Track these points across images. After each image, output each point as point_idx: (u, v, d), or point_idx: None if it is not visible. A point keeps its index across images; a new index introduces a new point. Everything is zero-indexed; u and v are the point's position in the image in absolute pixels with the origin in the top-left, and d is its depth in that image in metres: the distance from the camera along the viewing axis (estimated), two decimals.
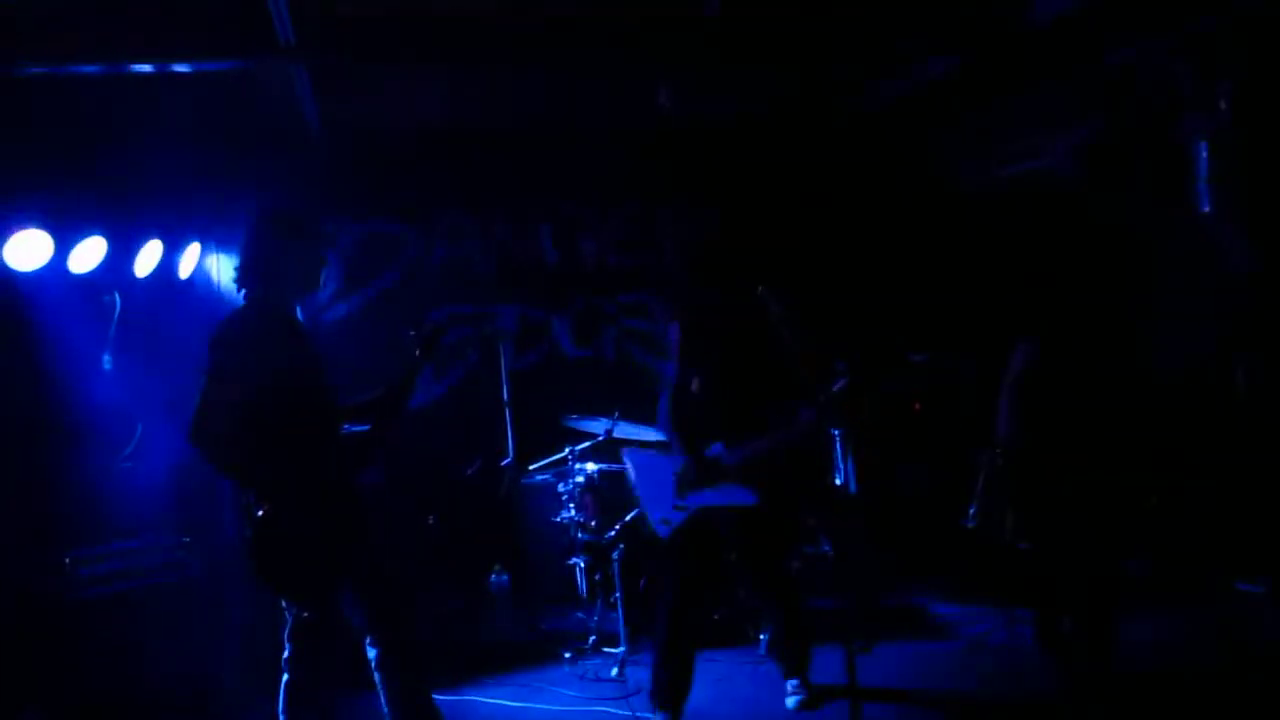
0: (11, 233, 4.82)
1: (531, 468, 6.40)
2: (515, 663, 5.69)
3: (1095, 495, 3.96)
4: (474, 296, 7.36)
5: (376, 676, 3.98)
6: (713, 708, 4.89)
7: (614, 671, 5.41)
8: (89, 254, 5.17)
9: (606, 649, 5.71)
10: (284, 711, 3.88)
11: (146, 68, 5.15)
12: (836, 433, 5.90)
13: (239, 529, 3.76)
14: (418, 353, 4.17)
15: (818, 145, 7.44)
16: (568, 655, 5.68)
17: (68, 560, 4.85)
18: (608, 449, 6.14)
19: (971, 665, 5.26)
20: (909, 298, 6.97)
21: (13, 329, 5.15)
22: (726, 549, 4.96)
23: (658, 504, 4.82)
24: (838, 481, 5.89)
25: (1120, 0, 5.30)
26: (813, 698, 4.81)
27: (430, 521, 6.32)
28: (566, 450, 6.12)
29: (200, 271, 5.86)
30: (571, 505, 6.10)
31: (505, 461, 6.20)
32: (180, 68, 5.22)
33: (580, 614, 6.06)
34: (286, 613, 3.88)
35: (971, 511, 5.08)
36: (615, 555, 5.68)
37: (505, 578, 6.24)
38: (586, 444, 6.13)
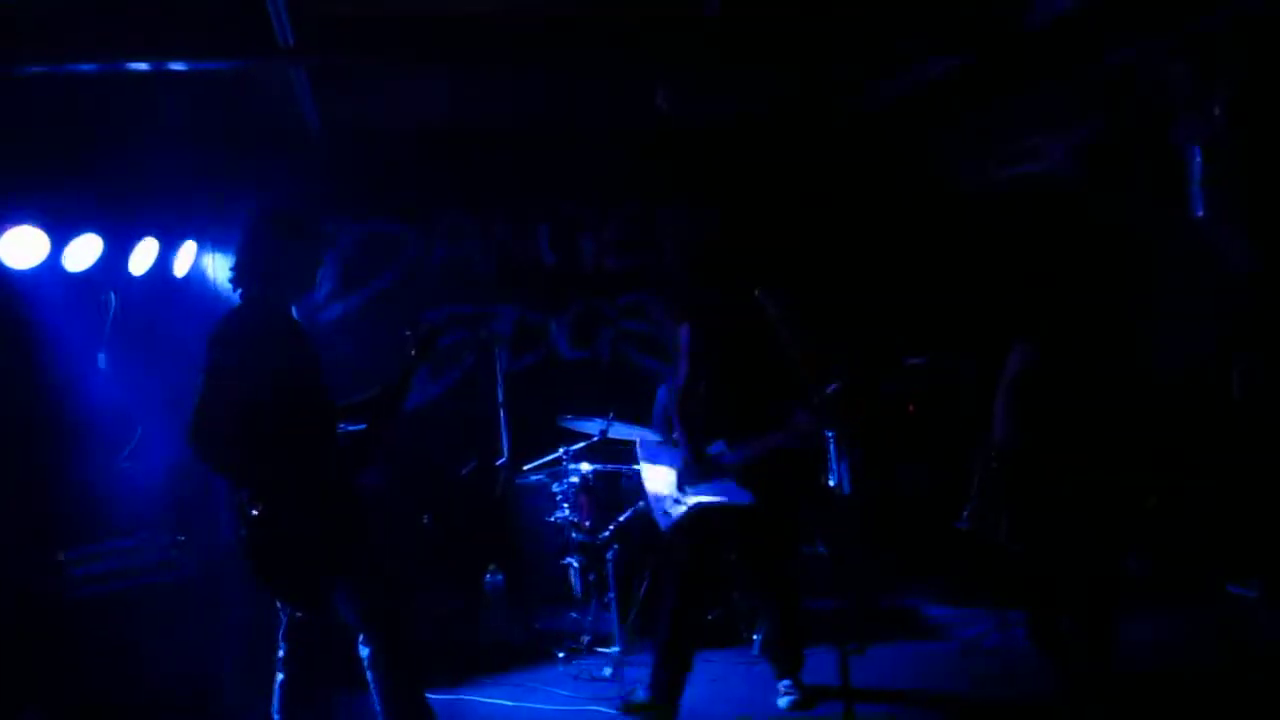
0: (7, 230, 4.81)
1: (526, 468, 6.41)
2: (510, 662, 5.70)
3: (1092, 496, 3.98)
4: (472, 297, 7.37)
5: (369, 675, 3.99)
6: (706, 708, 4.90)
7: (608, 671, 5.42)
8: (85, 252, 5.17)
9: (600, 649, 5.71)
10: (278, 711, 3.89)
11: (144, 66, 5.15)
12: (831, 434, 5.94)
13: (234, 528, 3.77)
14: (414, 353, 4.18)
15: (817, 145, 7.44)
16: (562, 655, 5.69)
17: (63, 559, 4.84)
18: (603, 449, 6.16)
19: (965, 667, 5.27)
20: (907, 298, 6.98)
21: (8, 327, 5.15)
22: (726, 548, 4.99)
23: (661, 496, 4.96)
24: (832, 483, 5.92)
25: (1120, 1, 5.31)
26: (805, 698, 4.82)
27: (425, 521, 6.32)
28: (561, 450, 6.13)
29: (196, 270, 5.86)
30: (566, 505, 6.11)
31: (500, 461, 6.20)
32: (177, 66, 5.22)
33: (574, 614, 6.07)
34: (281, 612, 3.89)
35: (965, 513, 5.10)
36: (610, 555, 5.69)
37: (500, 577, 6.25)
38: (581, 444, 6.14)
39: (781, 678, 4.92)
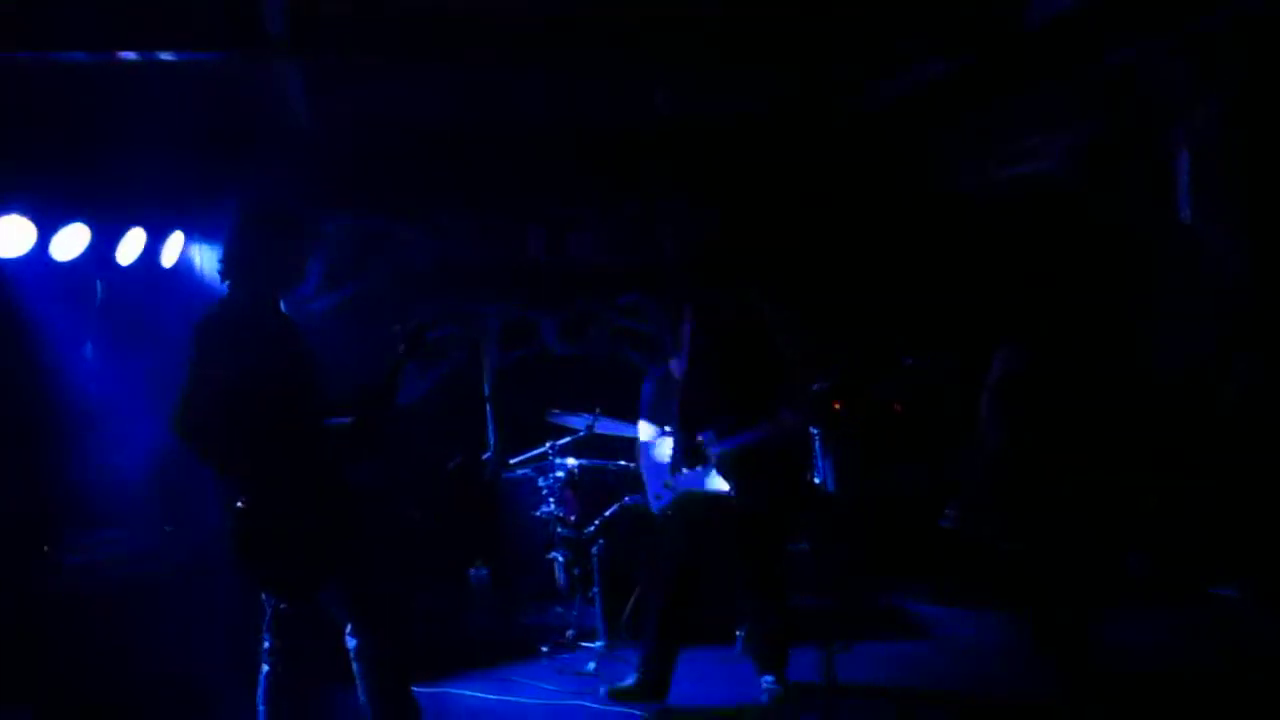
0: None
1: (512, 462, 6.42)
2: (494, 656, 5.71)
3: (1085, 496, 4.00)
4: (463, 294, 7.36)
5: (355, 668, 3.99)
6: (688, 704, 4.92)
7: (591, 666, 5.43)
8: (72, 241, 5.16)
9: (585, 643, 5.73)
10: (263, 703, 3.88)
11: (133, 56, 5.13)
12: (816, 432, 5.97)
13: (221, 520, 3.77)
14: (402, 348, 4.18)
15: (815, 145, 7.43)
16: (546, 649, 5.71)
17: (50, 550, 4.84)
18: (589, 444, 6.18)
19: (948, 666, 5.30)
20: (905, 298, 7.00)
21: None
22: (710, 539, 5.06)
23: (655, 479, 5.18)
24: (817, 481, 5.95)
25: (1118, 1, 5.33)
26: (788, 693, 4.84)
27: (411, 515, 6.33)
28: (547, 445, 6.14)
29: (184, 261, 5.84)
30: (552, 500, 6.12)
31: (486, 455, 6.21)
32: (166, 56, 5.20)
33: (559, 608, 6.08)
34: (267, 604, 3.89)
35: (950, 512, 5.14)
36: (595, 550, 5.71)
37: (485, 572, 6.27)
38: (567, 439, 6.15)
39: (764, 673, 4.94)
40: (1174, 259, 5.50)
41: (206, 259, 5.84)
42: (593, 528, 5.83)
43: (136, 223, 5.43)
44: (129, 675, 4.80)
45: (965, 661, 5.32)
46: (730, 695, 5.01)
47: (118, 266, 5.44)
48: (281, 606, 3.84)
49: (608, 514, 5.87)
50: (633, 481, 6.26)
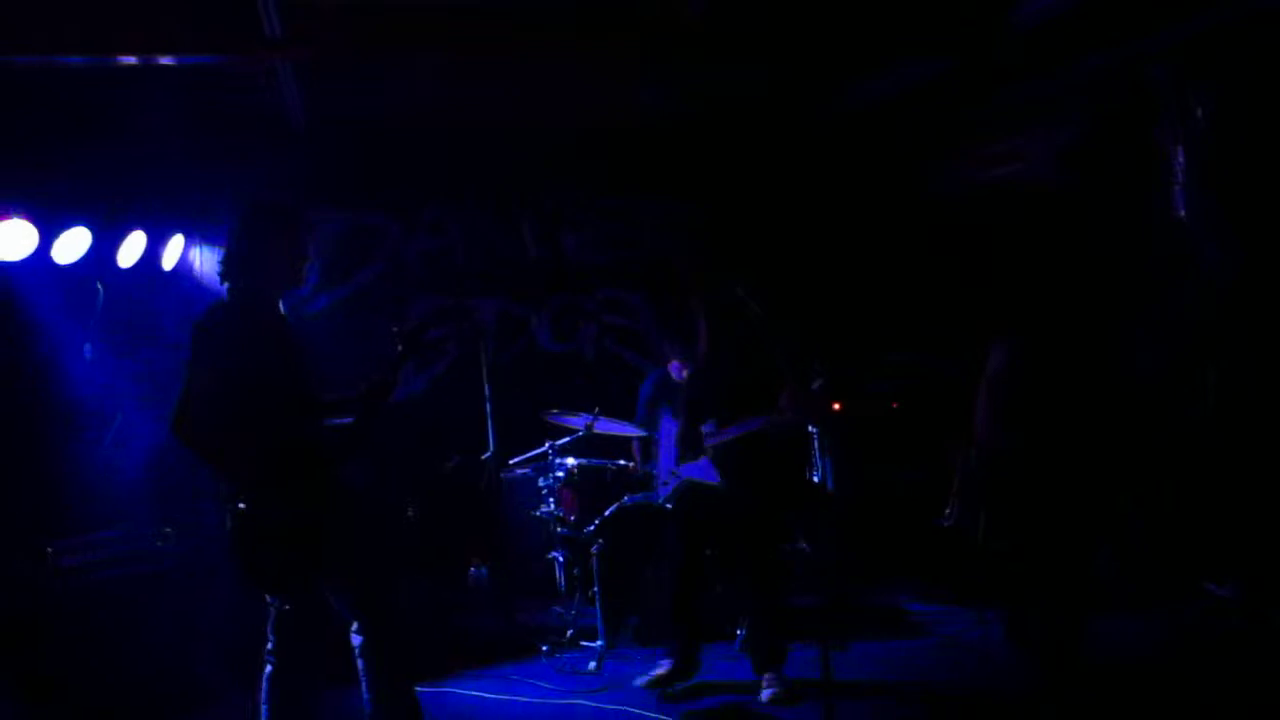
0: None
1: (512, 462, 6.44)
2: (494, 656, 5.73)
3: (1071, 495, 4.01)
4: (455, 290, 7.39)
5: (359, 665, 4.00)
6: (688, 702, 4.93)
7: (591, 665, 5.46)
8: (73, 244, 5.18)
9: (584, 642, 5.75)
10: (265, 702, 3.89)
11: (132, 60, 5.15)
12: (814, 431, 5.99)
13: (220, 520, 3.79)
14: (400, 348, 4.20)
15: (801, 145, 7.47)
16: (546, 648, 5.73)
17: (50, 550, 4.85)
18: (588, 444, 6.20)
19: (946, 663, 5.31)
20: (890, 298, 7.02)
21: None
22: (709, 529, 5.18)
23: (666, 466, 5.40)
24: (815, 479, 5.97)
25: (1103, 4, 5.35)
26: (787, 692, 4.86)
27: (410, 515, 6.34)
28: (547, 445, 6.16)
29: (184, 263, 5.86)
30: (551, 500, 6.14)
31: (485, 455, 6.22)
32: (166, 60, 5.22)
33: (558, 608, 6.10)
34: (269, 604, 3.90)
35: (947, 511, 5.15)
36: (594, 550, 5.72)
37: (484, 571, 6.28)
38: (567, 439, 6.17)
39: (763, 672, 4.96)
40: (1157, 259, 5.52)
41: (206, 261, 5.86)
42: (592, 527, 5.85)
43: (137, 225, 5.45)
44: (129, 675, 4.82)
45: (964, 660, 5.33)
46: (730, 694, 5.01)
47: (118, 269, 5.46)
48: (284, 606, 3.86)
49: (607, 513, 5.89)
50: (631, 481, 6.29)
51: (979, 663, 5.23)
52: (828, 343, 6.03)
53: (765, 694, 4.88)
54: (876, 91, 6.77)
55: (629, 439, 6.41)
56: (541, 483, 6.20)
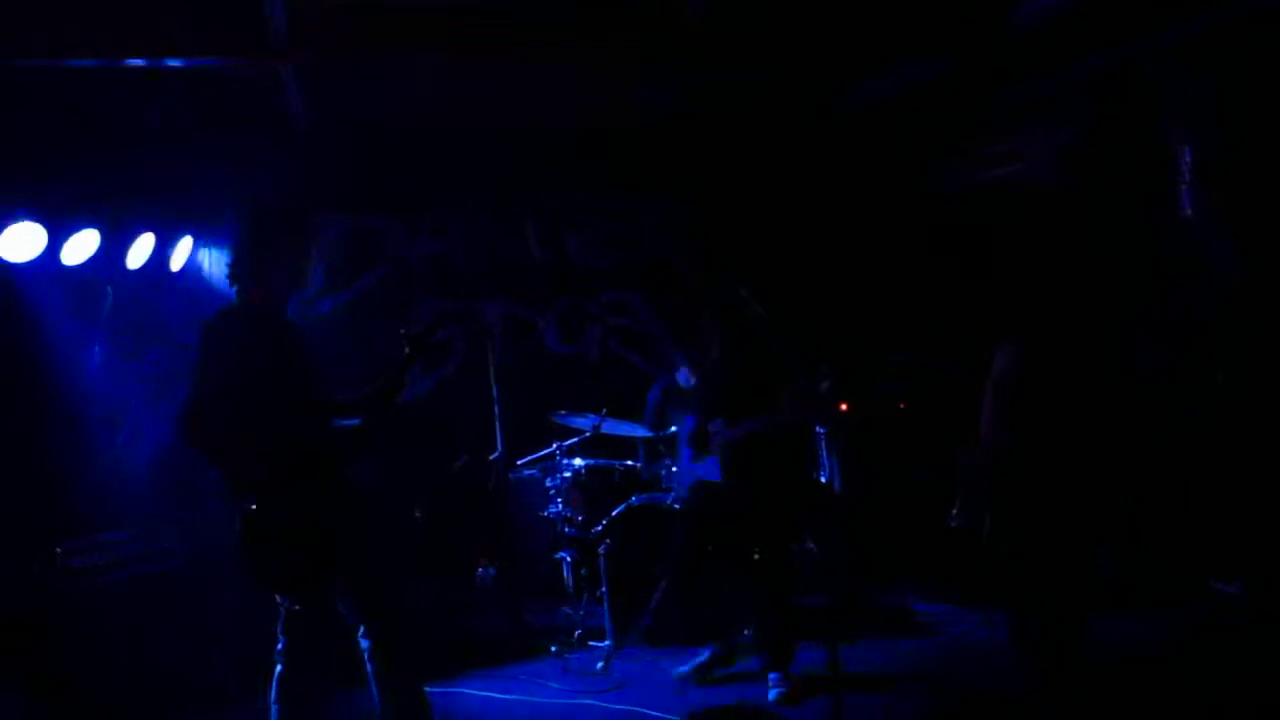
0: (6, 225, 4.84)
1: (519, 462, 6.45)
2: (502, 656, 5.74)
3: (1076, 496, 4.00)
4: (461, 292, 7.40)
5: (369, 668, 4.02)
6: (694, 701, 4.92)
7: (600, 665, 5.46)
8: (82, 246, 5.20)
9: (592, 643, 5.75)
10: (276, 702, 3.90)
11: (140, 63, 5.17)
12: (822, 431, 6.00)
13: (230, 520, 3.80)
14: (407, 350, 4.21)
15: (801, 145, 7.46)
16: (554, 649, 5.73)
17: (59, 551, 4.87)
18: (596, 444, 6.21)
19: (953, 663, 5.30)
20: (890, 298, 7.02)
21: (6, 319, 5.17)
22: (719, 536, 5.23)
23: (684, 463, 5.62)
24: (822, 479, 5.98)
25: (1103, 4, 5.34)
26: (795, 691, 4.87)
27: (418, 516, 6.36)
28: (554, 446, 6.17)
29: (192, 265, 5.88)
30: (559, 500, 6.15)
31: (493, 456, 6.24)
32: (174, 63, 5.23)
33: (566, 608, 6.11)
34: (280, 604, 3.92)
35: (955, 511, 5.15)
36: (602, 550, 5.74)
37: (492, 571, 6.29)
38: (574, 440, 6.18)
39: (771, 670, 4.97)
40: (1161, 259, 5.52)
41: (214, 262, 5.88)
42: (600, 527, 5.86)
43: (146, 227, 5.47)
44: (139, 676, 4.83)
45: (971, 660, 5.33)
46: (738, 692, 5.02)
47: (126, 270, 5.48)
48: (295, 607, 3.87)
49: (615, 514, 5.90)
50: (639, 481, 6.31)
51: (985, 663, 5.23)
52: (830, 342, 6.03)
53: (772, 693, 4.89)
54: (876, 91, 6.76)
55: (635, 440, 6.44)
56: (549, 483, 6.22)
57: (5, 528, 4.94)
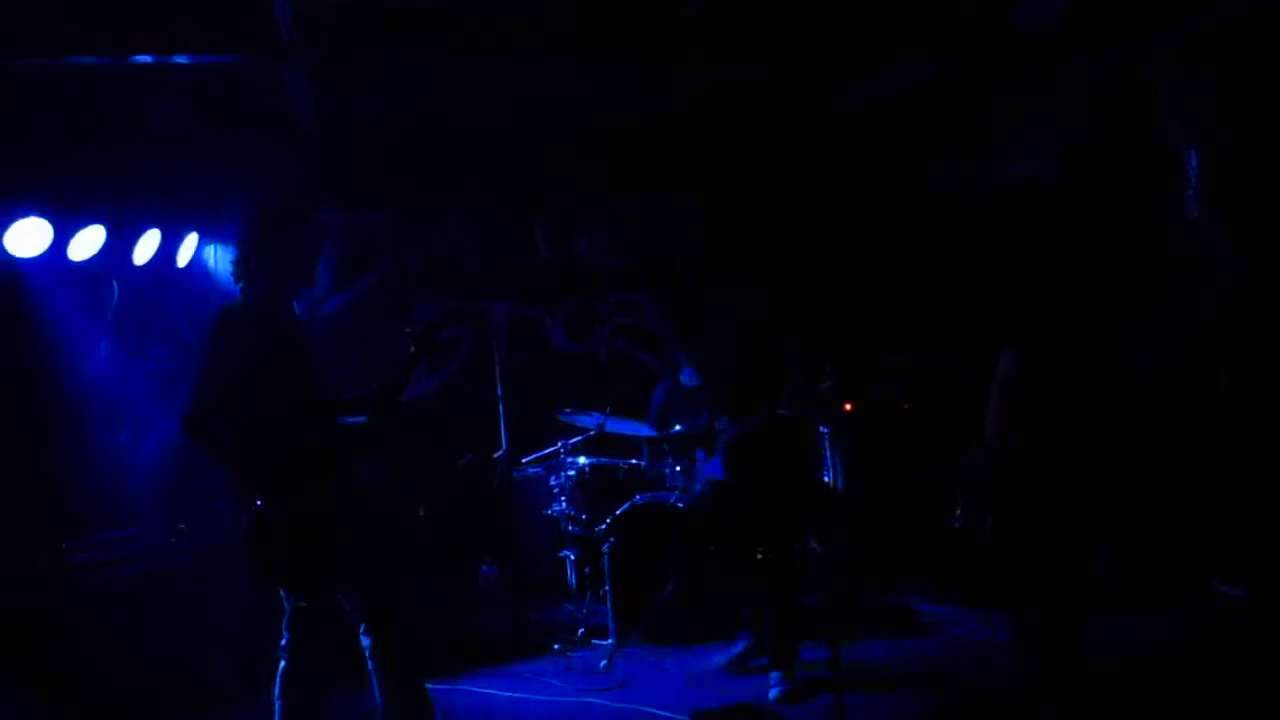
0: (13, 221, 4.85)
1: (524, 460, 6.46)
2: (505, 654, 5.75)
3: (1071, 496, 4.02)
4: (467, 291, 7.40)
5: (370, 665, 4.03)
6: (697, 699, 4.94)
7: (602, 663, 5.47)
8: (88, 242, 5.20)
9: (596, 641, 5.77)
10: (279, 698, 3.92)
11: (147, 59, 5.17)
12: (825, 430, 6.02)
13: (236, 518, 3.81)
14: (413, 348, 4.22)
15: (801, 145, 7.47)
16: (557, 647, 5.74)
17: (63, 547, 4.87)
18: (600, 443, 6.22)
19: (955, 663, 5.31)
20: (890, 298, 7.03)
21: (12, 315, 5.18)
22: (723, 534, 5.27)
23: (700, 457, 5.70)
24: (826, 479, 5.99)
25: (1103, 4, 5.35)
26: (796, 690, 4.88)
27: (422, 514, 6.37)
28: (559, 444, 6.18)
29: (198, 261, 5.88)
30: (563, 498, 6.16)
31: (498, 454, 6.25)
32: (180, 60, 5.24)
33: (570, 606, 6.12)
34: (285, 601, 3.93)
35: (958, 511, 5.16)
36: (605, 548, 5.75)
37: (496, 569, 6.30)
38: (578, 438, 6.19)
39: (772, 669, 4.99)
40: (1165, 261, 5.52)
41: (220, 259, 5.89)
42: (603, 526, 5.88)
43: (152, 223, 5.47)
44: (141, 675, 4.83)
45: (973, 660, 5.33)
46: (740, 691, 5.03)
47: (133, 267, 5.48)
48: (300, 603, 3.88)
49: (619, 512, 5.91)
50: (643, 480, 6.32)
51: (987, 663, 5.24)
52: (831, 343, 6.05)
53: (773, 692, 4.91)
54: (877, 91, 6.76)
55: (640, 439, 6.45)
56: (553, 481, 6.23)
57: (9, 525, 4.94)
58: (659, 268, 7.81)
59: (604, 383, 7.24)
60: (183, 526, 5.25)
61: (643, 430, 6.35)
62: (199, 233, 5.80)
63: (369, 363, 5.04)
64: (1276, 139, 5.24)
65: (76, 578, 4.88)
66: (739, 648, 5.34)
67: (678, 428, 6.23)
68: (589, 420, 6.10)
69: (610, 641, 5.63)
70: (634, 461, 6.42)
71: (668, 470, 6.20)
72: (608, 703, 4.97)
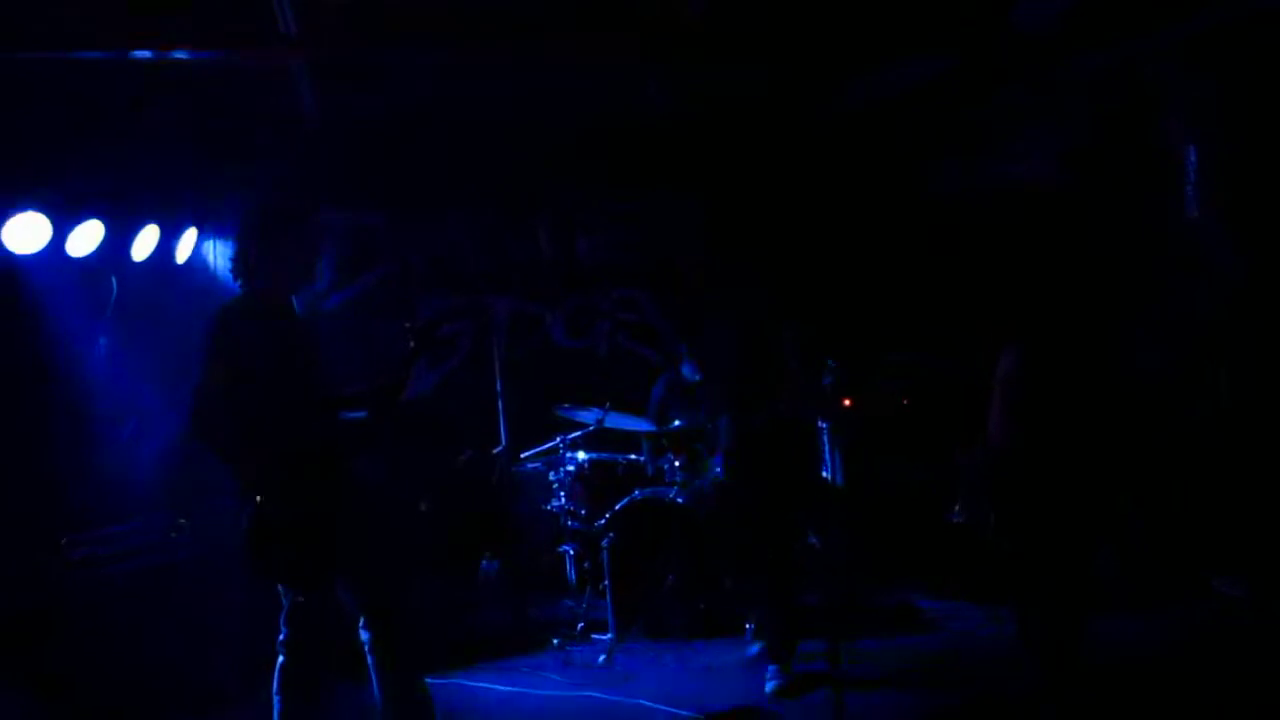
0: (11, 215, 4.85)
1: (523, 456, 6.47)
2: (505, 649, 5.76)
3: (1071, 495, 4.02)
4: (468, 288, 7.41)
5: (369, 660, 4.03)
6: (696, 694, 4.95)
7: (601, 658, 5.47)
8: (87, 238, 5.20)
9: (595, 636, 5.77)
10: (278, 693, 3.92)
11: (146, 55, 5.18)
12: (824, 427, 6.02)
13: (237, 514, 3.82)
14: (412, 344, 4.22)
15: (801, 145, 7.48)
16: (556, 642, 5.74)
17: (64, 543, 4.87)
18: (599, 438, 6.22)
19: (955, 660, 5.32)
20: (890, 298, 7.03)
21: (11, 311, 5.18)
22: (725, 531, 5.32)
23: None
24: (825, 475, 6.00)
25: (1103, 4, 5.36)
26: (793, 685, 4.88)
27: (422, 509, 6.37)
28: (558, 439, 6.19)
29: (197, 257, 5.88)
30: (562, 494, 6.17)
31: (498, 449, 6.26)
32: (180, 55, 5.24)
33: (569, 601, 6.13)
34: (284, 596, 3.93)
35: (958, 507, 5.17)
36: (604, 543, 5.76)
37: (495, 565, 6.31)
38: (578, 434, 6.20)
39: (770, 663, 4.99)
40: (1164, 260, 5.53)
41: (219, 254, 5.89)
42: (603, 521, 5.88)
43: (151, 219, 5.47)
44: (141, 674, 4.82)
45: (974, 656, 5.34)
46: (740, 687, 5.04)
47: (132, 262, 5.48)
48: (299, 598, 3.88)
49: (618, 507, 5.92)
50: (642, 476, 6.33)
51: (987, 659, 5.25)
52: (831, 342, 6.05)
53: (769, 685, 4.91)
54: (876, 91, 6.77)
55: (639, 434, 6.45)
56: (553, 477, 6.24)
57: (9, 521, 4.94)
58: (659, 267, 7.82)
59: (604, 378, 7.26)
60: (183, 521, 5.24)
61: (642, 425, 6.35)
62: (198, 228, 5.79)
63: (370, 361, 5.04)
64: (1276, 139, 5.25)
65: (77, 573, 4.87)
66: (752, 651, 5.36)
67: (677, 423, 6.24)
68: (588, 416, 6.11)
69: (609, 636, 5.64)
70: (633, 457, 6.43)
71: (667, 465, 6.21)
72: (607, 697, 4.97)
